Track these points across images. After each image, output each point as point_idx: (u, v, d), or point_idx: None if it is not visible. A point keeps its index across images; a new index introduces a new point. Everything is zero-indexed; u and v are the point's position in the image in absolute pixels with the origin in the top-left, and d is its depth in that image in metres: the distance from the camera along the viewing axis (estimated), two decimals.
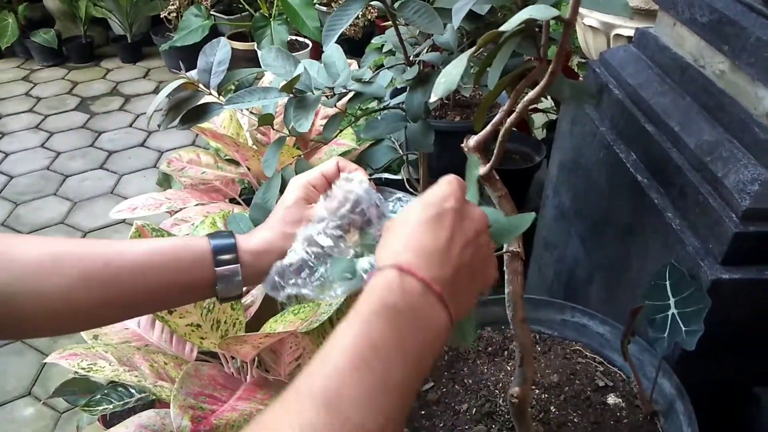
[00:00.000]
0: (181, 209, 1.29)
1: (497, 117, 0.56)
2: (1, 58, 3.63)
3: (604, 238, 1.05)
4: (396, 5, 0.77)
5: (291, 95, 0.86)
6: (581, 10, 0.51)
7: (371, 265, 0.53)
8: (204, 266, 0.56)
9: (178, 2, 3.11)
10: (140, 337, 1.06)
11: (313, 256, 0.55)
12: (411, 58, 0.91)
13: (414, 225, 0.46)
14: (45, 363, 1.39)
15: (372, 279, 0.44)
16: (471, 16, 0.75)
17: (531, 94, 0.52)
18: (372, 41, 1.43)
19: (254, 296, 1.10)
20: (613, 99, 1.05)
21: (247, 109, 0.96)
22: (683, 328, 0.72)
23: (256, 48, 2.75)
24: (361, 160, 1.01)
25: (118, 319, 0.61)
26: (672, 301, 0.75)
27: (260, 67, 0.93)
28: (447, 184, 0.49)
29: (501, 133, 0.56)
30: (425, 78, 0.88)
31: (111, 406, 1.02)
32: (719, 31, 0.85)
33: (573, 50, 2.11)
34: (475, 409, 0.83)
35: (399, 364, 0.39)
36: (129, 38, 3.63)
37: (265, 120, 0.91)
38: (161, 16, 3.23)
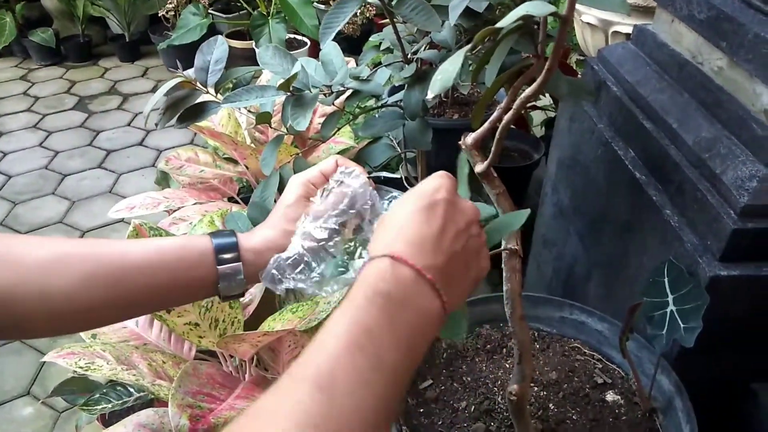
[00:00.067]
0: (179, 208, 1.29)
1: (495, 114, 0.56)
2: None
3: (603, 236, 1.05)
4: (393, 3, 0.76)
5: (288, 93, 0.86)
6: (579, 7, 0.51)
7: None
8: (206, 265, 0.56)
9: (176, 1, 3.09)
10: (138, 336, 1.06)
11: (309, 251, 0.55)
12: (409, 56, 0.91)
13: (406, 215, 0.47)
14: (44, 362, 1.39)
15: (365, 268, 0.44)
16: (468, 13, 0.75)
17: (528, 90, 0.52)
18: (370, 39, 1.42)
19: (252, 294, 1.10)
20: (612, 96, 1.05)
21: (245, 108, 0.96)
22: (682, 325, 0.72)
23: (254, 46, 2.74)
24: (359, 157, 1.01)
25: (118, 319, 0.61)
26: (670, 298, 0.75)
27: (258, 65, 0.93)
28: (438, 177, 0.50)
29: (498, 130, 0.56)
30: (423, 76, 0.88)
31: (110, 406, 1.02)
32: (717, 28, 0.85)
33: (571, 47, 2.11)
34: (473, 407, 0.83)
35: (392, 349, 0.40)
36: (127, 37, 3.63)
37: (263, 118, 0.91)
38: (159, 15, 3.21)
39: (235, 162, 1.42)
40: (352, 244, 0.56)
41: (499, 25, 0.45)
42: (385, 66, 0.94)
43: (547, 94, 1.83)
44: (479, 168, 0.58)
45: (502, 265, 0.63)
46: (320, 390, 0.36)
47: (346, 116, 0.99)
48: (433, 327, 0.44)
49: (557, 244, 1.27)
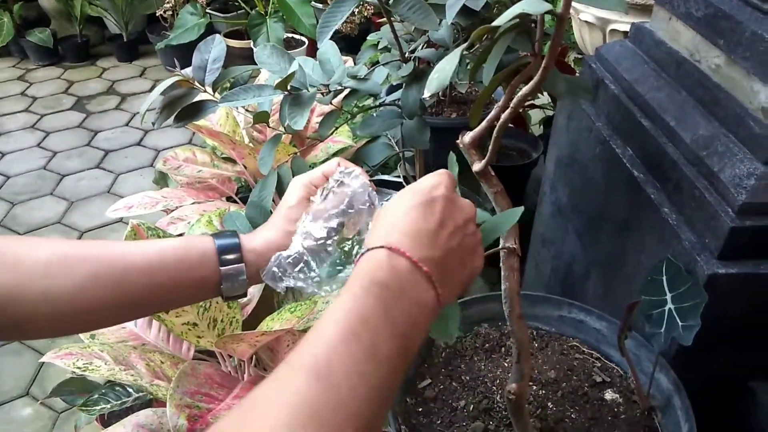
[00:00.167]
0: (177, 207, 1.28)
1: (492, 113, 0.56)
2: None
3: (601, 234, 1.05)
4: (391, 2, 0.76)
5: (286, 92, 0.85)
6: (577, 5, 0.51)
7: None
8: (208, 266, 0.56)
9: (173, 0, 3.09)
10: (137, 336, 1.05)
11: (309, 250, 0.55)
12: (406, 55, 0.91)
13: (404, 209, 0.47)
14: (42, 363, 1.39)
15: (362, 259, 0.45)
16: (466, 11, 0.75)
17: (525, 89, 0.52)
18: (367, 38, 1.42)
19: (251, 294, 1.10)
20: (609, 94, 1.05)
21: (243, 107, 0.96)
22: (680, 323, 0.72)
23: (252, 46, 2.74)
24: (357, 157, 1.01)
25: (119, 320, 0.61)
26: (669, 296, 0.75)
27: (256, 64, 0.93)
28: (437, 174, 0.51)
29: (496, 128, 0.56)
30: (421, 75, 0.87)
31: (109, 406, 1.02)
32: (715, 26, 0.85)
33: (569, 46, 2.11)
34: (472, 406, 0.83)
35: (387, 338, 0.40)
36: (125, 37, 3.62)
37: (261, 118, 0.90)
38: (157, 15, 3.22)
39: (233, 161, 1.42)
40: (351, 243, 0.57)
41: (496, 23, 0.45)
42: (383, 65, 0.94)
43: (545, 93, 1.83)
44: (477, 167, 0.58)
45: (501, 264, 0.63)
46: (317, 378, 0.36)
47: (344, 115, 0.99)
48: (427, 317, 0.45)
49: (555, 243, 1.27)
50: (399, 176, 1.24)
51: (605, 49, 1.15)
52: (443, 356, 0.91)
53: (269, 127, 1.09)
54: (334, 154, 1.41)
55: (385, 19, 0.87)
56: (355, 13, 2.49)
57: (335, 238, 0.56)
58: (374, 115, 0.95)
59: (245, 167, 1.39)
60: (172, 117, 0.87)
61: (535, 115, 2.17)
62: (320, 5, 2.97)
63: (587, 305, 0.92)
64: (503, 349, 0.92)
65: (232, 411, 0.36)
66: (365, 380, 0.38)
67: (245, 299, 1.09)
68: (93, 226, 2.30)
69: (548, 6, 0.43)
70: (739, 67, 0.81)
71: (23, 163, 2.67)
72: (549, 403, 0.83)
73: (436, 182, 0.49)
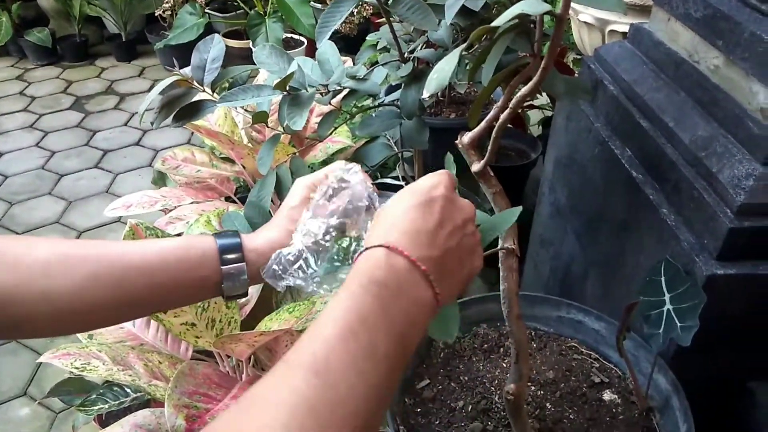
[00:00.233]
0: (175, 207, 1.28)
1: (491, 113, 0.56)
2: None
3: (600, 235, 1.05)
4: (390, 2, 0.76)
5: (285, 93, 0.85)
6: (576, 6, 0.51)
7: None
8: (209, 265, 0.56)
9: (172, 0, 3.09)
10: (135, 336, 1.05)
11: (309, 248, 0.55)
12: (405, 55, 0.91)
13: (403, 209, 0.48)
14: (40, 363, 1.38)
15: (360, 257, 0.45)
16: (465, 12, 0.75)
17: (524, 89, 0.52)
18: (367, 38, 1.42)
19: (249, 294, 1.10)
20: (608, 95, 1.05)
21: (242, 107, 0.96)
22: (678, 324, 0.72)
23: (251, 46, 2.74)
24: (356, 157, 1.01)
25: (119, 320, 0.61)
26: (667, 296, 0.75)
27: (255, 65, 0.93)
28: (436, 175, 0.51)
29: (495, 129, 0.56)
30: (420, 75, 0.87)
31: (107, 406, 1.02)
32: (713, 26, 0.85)
33: (568, 46, 2.11)
34: (470, 406, 0.83)
35: (385, 336, 0.40)
36: (123, 37, 3.62)
37: (260, 118, 0.90)
38: (156, 15, 3.21)
39: (232, 161, 1.42)
40: (349, 239, 0.56)
41: (495, 23, 0.45)
42: (382, 65, 0.94)
43: (544, 93, 1.84)
44: (476, 167, 0.58)
45: (499, 265, 0.63)
46: (316, 375, 0.36)
47: (343, 116, 0.99)
48: (425, 317, 0.45)
49: (554, 244, 1.27)
50: (398, 177, 1.24)
51: (604, 50, 1.15)
52: (442, 357, 0.91)
53: (268, 127, 1.09)
54: (333, 155, 1.41)
55: (384, 19, 0.87)
56: (354, 13, 2.49)
57: (333, 234, 0.56)
58: (373, 115, 0.95)
59: (244, 167, 1.39)
60: (171, 117, 0.87)
61: (534, 116, 2.17)
62: (319, 5, 2.97)
63: (586, 306, 0.92)
64: (502, 349, 0.92)
65: (229, 409, 0.36)
66: (363, 379, 0.38)
67: (243, 299, 1.09)
68: (91, 225, 2.30)
69: (547, 7, 0.43)
70: (738, 67, 0.82)
71: (21, 163, 2.67)
72: (547, 404, 0.83)
73: (435, 182, 0.50)
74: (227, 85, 0.94)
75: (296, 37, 2.98)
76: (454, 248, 0.48)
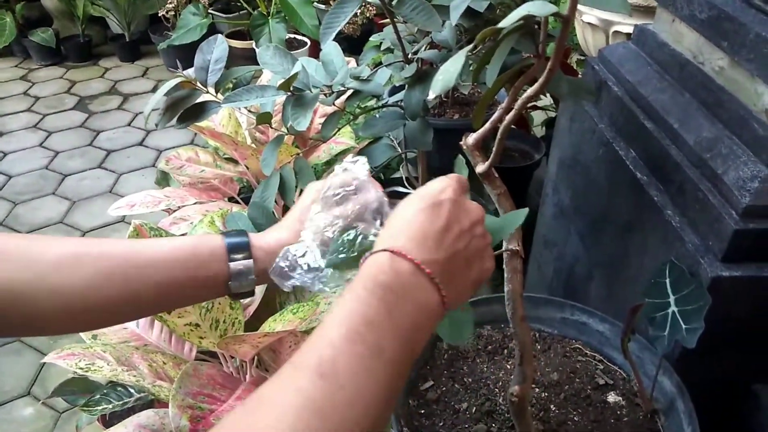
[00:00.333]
0: (179, 207, 1.28)
1: (496, 114, 0.56)
2: None
3: (604, 236, 1.05)
4: (394, 2, 0.76)
5: (289, 93, 0.85)
6: (580, 7, 0.51)
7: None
8: (218, 264, 0.57)
9: (176, 1, 3.09)
10: (139, 336, 1.05)
11: (316, 247, 0.55)
12: (409, 56, 0.91)
13: (411, 213, 0.48)
14: (44, 363, 1.38)
15: (366, 261, 0.46)
16: (469, 13, 0.75)
17: (529, 91, 0.52)
18: (370, 39, 1.42)
19: (254, 295, 1.10)
20: (612, 96, 1.05)
21: (246, 108, 0.96)
22: (683, 326, 0.72)
23: (254, 46, 2.74)
24: None
25: (129, 318, 0.62)
26: (672, 298, 0.75)
27: (258, 65, 0.93)
28: (446, 178, 0.51)
29: (500, 130, 0.56)
30: (424, 76, 0.87)
31: (110, 406, 1.02)
32: (718, 28, 0.85)
33: (572, 47, 2.11)
34: (474, 408, 0.83)
35: (391, 338, 0.41)
36: (127, 37, 3.63)
37: (263, 118, 0.90)
38: (159, 15, 3.21)
39: (235, 162, 1.42)
40: (354, 232, 0.56)
41: (500, 25, 0.45)
42: (386, 66, 0.94)
43: (547, 94, 1.83)
44: (480, 168, 0.58)
45: (504, 266, 0.62)
46: (322, 377, 0.36)
47: (346, 116, 0.99)
48: (431, 321, 0.45)
49: (558, 245, 1.27)
50: (402, 177, 1.24)
51: (608, 51, 1.15)
52: (446, 358, 0.91)
53: (272, 128, 1.09)
54: (337, 155, 1.41)
55: (387, 20, 0.87)
56: (358, 14, 2.50)
57: (338, 224, 0.56)
58: (377, 116, 0.95)
59: (248, 168, 1.39)
60: (175, 118, 0.87)
61: (538, 117, 2.17)
62: (322, 6, 2.97)
63: (590, 307, 0.92)
64: (506, 351, 0.92)
65: (236, 410, 0.36)
66: (371, 380, 0.38)
67: (247, 300, 1.09)
68: (95, 225, 2.30)
69: (554, 8, 0.43)
70: (742, 69, 0.81)
71: (25, 163, 2.67)
72: (551, 406, 0.83)
73: (443, 186, 0.50)
74: (231, 85, 0.93)
75: (299, 37, 2.98)
76: (462, 251, 0.48)
